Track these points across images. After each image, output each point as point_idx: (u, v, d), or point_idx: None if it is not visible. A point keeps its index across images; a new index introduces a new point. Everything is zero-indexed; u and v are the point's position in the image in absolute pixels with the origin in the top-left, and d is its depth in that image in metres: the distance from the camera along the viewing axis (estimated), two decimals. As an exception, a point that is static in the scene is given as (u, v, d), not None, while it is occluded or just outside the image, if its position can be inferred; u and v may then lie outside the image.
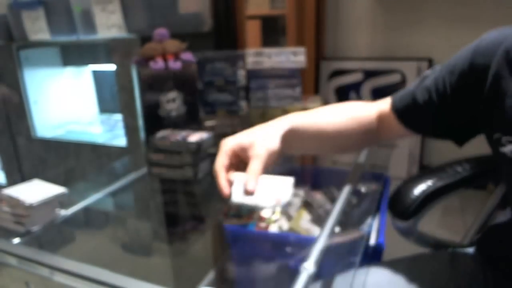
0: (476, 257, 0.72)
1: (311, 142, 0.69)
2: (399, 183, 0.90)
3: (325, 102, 1.58)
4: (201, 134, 0.95)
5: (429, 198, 0.82)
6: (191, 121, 1.10)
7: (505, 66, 0.52)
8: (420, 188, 0.84)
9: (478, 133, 0.61)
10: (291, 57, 1.18)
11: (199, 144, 0.90)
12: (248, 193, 0.55)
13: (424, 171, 0.88)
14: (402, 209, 0.82)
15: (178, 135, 0.94)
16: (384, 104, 0.69)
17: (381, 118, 0.70)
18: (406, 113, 0.66)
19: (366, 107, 0.71)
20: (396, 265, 0.75)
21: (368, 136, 0.70)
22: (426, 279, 0.69)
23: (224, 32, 1.42)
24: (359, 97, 1.52)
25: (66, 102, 1.87)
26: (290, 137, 0.63)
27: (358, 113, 0.69)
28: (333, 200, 0.92)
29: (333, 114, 0.69)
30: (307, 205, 0.90)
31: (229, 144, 0.59)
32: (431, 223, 0.89)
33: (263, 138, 0.59)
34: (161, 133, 0.95)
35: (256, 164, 0.56)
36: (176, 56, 1.05)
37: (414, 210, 0.82)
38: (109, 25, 1.25)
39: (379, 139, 0.72)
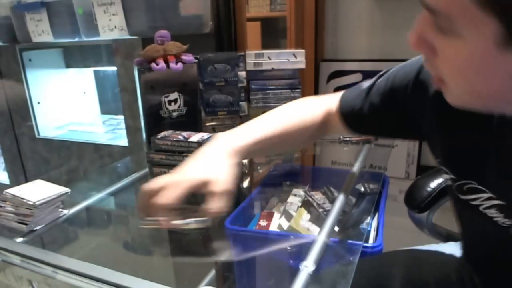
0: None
1: (265, 152, 0.72)
2: (398, 182, 0.91)
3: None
4: (202, 135, 0.96)
5: (445, 191, 0.83)
6: (192, 121, 1.11)
7: (442, 99, 0.50)
8: (436, 182, 0.85)
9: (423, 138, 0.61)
10: (291, 58, 1.19)
11: (200, 144, 0.91)
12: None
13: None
14: (419, 201, 0.84)
15: (179, 135, 0.95)
16: (332, 104, 0.72)
17: (328, 116, 0.72)
18: (352, 121, 0.69)
19: (314, 108, 0.73)
20: (403, 254, 0.76)
21: (313, 136, 0.74)
22: (431, 268, 0.71)
23: (224, 34, 1.43)
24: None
25: (68, 103, 1.89)
26: (247, 155, 0.63)
27: (306, 118, 0.71)
28: (332, 199, 0.92)
29: (283, 125, 0.69)
30: (307, 204, 0.91)
31: (190, 180, 0.55)
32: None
33: (225, 173, 0.56)
34: (162, 134, 0.96)
35: (220, 201, 0.54)
36: (177, 58, 1.05)
37: (430, 203, 0.84)
38: (111, 27, 1.26)
39: (324, 135, 0.75)
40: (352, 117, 0.68)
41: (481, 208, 0.49)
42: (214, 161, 0.58)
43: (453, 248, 0.76)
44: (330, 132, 0.74)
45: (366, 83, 0.68)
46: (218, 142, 0.62)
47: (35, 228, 0.71)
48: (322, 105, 0.73)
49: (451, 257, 0.74)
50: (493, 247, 0.54)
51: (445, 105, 0.49)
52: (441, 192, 0.85)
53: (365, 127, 0.69)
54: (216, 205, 0.54)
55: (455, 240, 0.82)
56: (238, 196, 0.98)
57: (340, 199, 0.70)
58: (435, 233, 0.91)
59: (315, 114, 0.72)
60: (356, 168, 0.85)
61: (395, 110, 0.61)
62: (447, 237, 0.90)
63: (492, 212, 0.47)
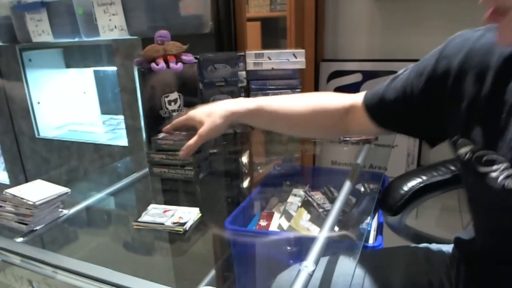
0: (454, 254, 0.73)
1: (278, 124, 0.77)
2: (397, 182, 0.91)
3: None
4: None
5: (418, 194, 0.84)
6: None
7: (464, 70, 0.54)
8: (409, 184, 0.86)
9: (446, 136, 0.61)
10: (291, 58, 1.19)
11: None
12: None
13: (417, 168, 0.90)
14: (391, 204, 0.84)
15: (179, 135, 0.95)
16: (357, 98, 0.72)
17: (352, 111, 0.72)
18: (375, 109, 0.68)
19: (338, 99, 0.74)
20: (375, 256, 0.77)
21: (335, 127, 0.74)
22: (401, 270, 0.72)
23: (224, 34, 1.43)
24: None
25: (68, 103, 1.89)
26: (256, 116, 0.74)
27: (328, 104, 0.72)
28: (332, 199, 0.92)
29: (302, 102, 0.73)
30: (306, 204, 0.91)
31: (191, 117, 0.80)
32: (430, 221, 0.90)
33: (212, 120, 0.75)
34: (162, 134, 0.96)
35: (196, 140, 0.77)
36: (177, 58, 1.05)
37: (403, 205, 0.84)
38: (111, 27, 1.26)
39: (347, 131, 0.75)
40: (376, 105, 0.68)
41: (499, 180, 0.49)
42: (212, 114, 0.76)
43: (427, 251, 0.77)
44: (353, 126, 0.73)
45: (391, 76, 0.68)
46: (226, 102, 0.78)
47: (35, 228, 0.71)
48: (347, 99, 0.73)
49: (421, 260, 0.74)
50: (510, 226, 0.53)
51: (472, 71, 0.52)
52: (414, 195, 0.85)
53: (388, 115, 0.67)
54: (191, 142, 0.77)
55: (428, 242, 0.82)
56: (238, 196, 0.99)
57: (340, 199, 0.70)
58: (409, 236, 0.91)
59: (337, 106, 0.72)
60: (359, 160, 0.85)
61: (416, 94, 0.62)
62: (420, 240, 0.89)
63: (510, 183, 0.48)
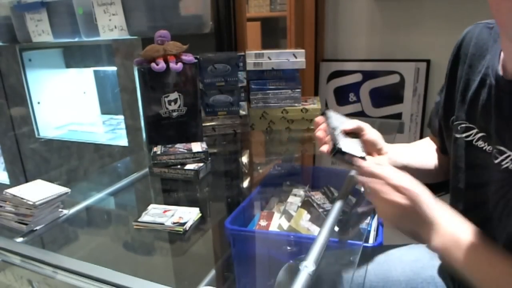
0: None
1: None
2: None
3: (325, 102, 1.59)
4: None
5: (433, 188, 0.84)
6: (192, 121, 1.11)
7: (457, 56, 0.65)
8: None
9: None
10: (291, 58, 1.19)
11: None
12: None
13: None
14: None
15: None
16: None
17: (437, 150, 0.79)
18: (430, 122, 0.77)
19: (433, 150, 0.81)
20: (381, 251, 0.78)
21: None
22: (407, 264, 0.73)
23: (224, 34, 1.43)
24: (358, 98, 1.52)
25: (68, 103, 1.89)
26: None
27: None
28: (332, 199, 0.92)
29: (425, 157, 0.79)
30: (306, 204, 0.91)
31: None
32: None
33: None
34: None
35: None
36: (177, 58, 1.05)
37: None
38: (111, 27, 1.26)
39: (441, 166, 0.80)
40: (430, 120, 0.79)
41: (473, 142, 0.61)
42: None
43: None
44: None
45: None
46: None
47: (35, 228, 0.71)
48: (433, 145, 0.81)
49: (424, 255, 0.76)
50: (479, 175, 0.61)
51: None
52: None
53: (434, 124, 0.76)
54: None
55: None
56: (238, 196, 0.99)
57: (340, 199, 0.69)
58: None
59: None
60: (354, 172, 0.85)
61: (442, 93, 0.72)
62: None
63: (480, 143, 0.60)
